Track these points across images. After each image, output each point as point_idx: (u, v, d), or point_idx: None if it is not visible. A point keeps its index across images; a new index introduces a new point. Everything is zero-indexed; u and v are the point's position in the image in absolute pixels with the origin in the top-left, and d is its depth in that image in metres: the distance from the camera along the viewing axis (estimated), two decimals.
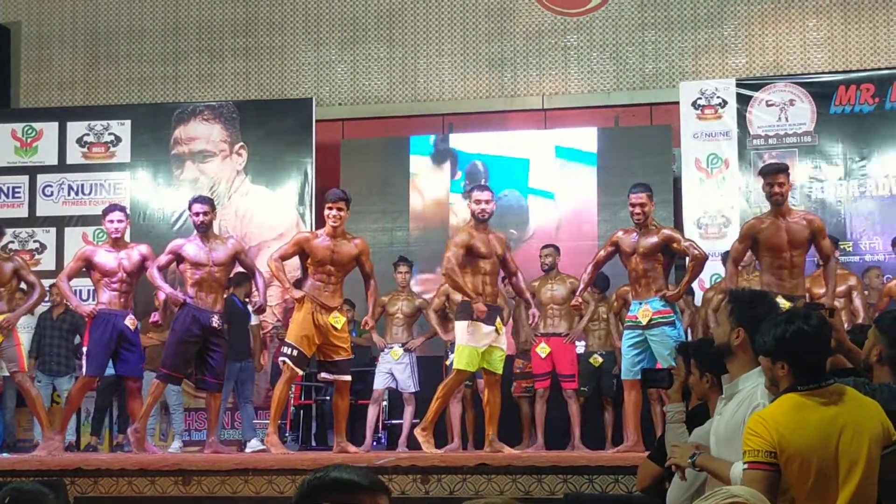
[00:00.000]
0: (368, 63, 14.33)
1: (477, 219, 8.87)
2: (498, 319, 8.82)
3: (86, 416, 11.90)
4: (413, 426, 10.23)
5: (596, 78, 13.81)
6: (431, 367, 11.43)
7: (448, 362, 10.29)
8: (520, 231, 12.90)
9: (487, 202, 8.83)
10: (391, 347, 11.09)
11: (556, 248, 11.11)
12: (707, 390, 4.89)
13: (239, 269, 9.86)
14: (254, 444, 10.82)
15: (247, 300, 11.01)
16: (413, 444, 9.89)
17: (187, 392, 11.69)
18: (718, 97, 12.49)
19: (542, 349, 10.57)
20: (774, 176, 8.47)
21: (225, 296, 9.83)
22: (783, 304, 6.81)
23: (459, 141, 13.49)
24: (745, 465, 3.80)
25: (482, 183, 11.13)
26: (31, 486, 2.17)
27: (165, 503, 7.11)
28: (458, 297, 9.25)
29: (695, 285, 9.90)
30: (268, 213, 13.08)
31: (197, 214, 9.28)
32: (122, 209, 9.56)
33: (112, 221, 9.36)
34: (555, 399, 10.78)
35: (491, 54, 14.03)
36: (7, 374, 9.92)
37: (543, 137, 13.39)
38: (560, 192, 13.05)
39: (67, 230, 13.26)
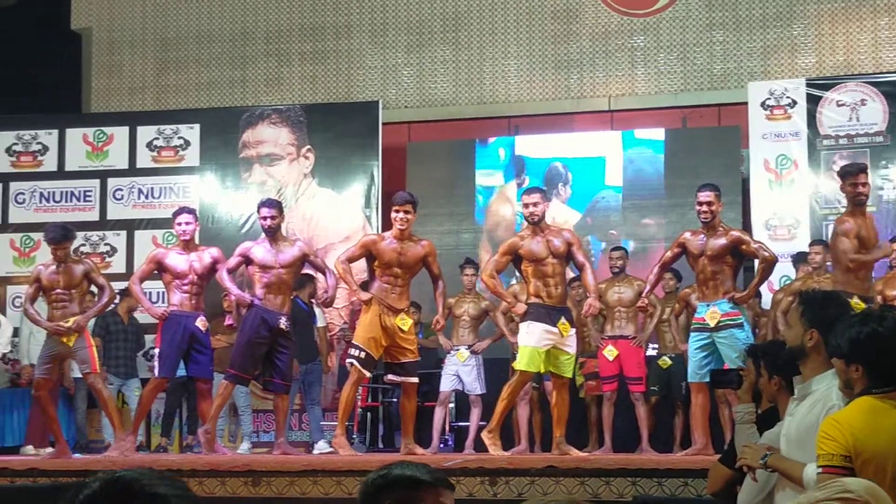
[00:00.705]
0: (434, 66, 14.36)
1: (528, 221, 8.87)
2: (563, 321, 8.78)
3: (156, 417, 12.01)
4: (480, 428, 10.24)
5: (663, 79, 13.74)
6: (498, 369, 11.41)
7: (514, 364, 10.27)
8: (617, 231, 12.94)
9: (535, 204, 8.81)
10: (457, 349, 11.09)
11: (626, 251, 11.07)
12: (776, 393, 4.85)
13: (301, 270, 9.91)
14: (321, 446, 10.86)
15: (311, 301, 11.07)
16: (480, 446, 9.88)
17: (255, 394, 11.77)
18: (788, 97, 12.37)
19: (610, 352, 10.52)
20: (857, 176, 8.38)
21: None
22: (857, 304, 6.73)
23: (526, 143, 13.49)
24: (819, 469, 3.76)
25: (537, 185, 11.09)
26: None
27: (234, 503, 7.16)
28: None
29: (762, 287, 9.80)
30: (334, 215, 13.14)
31: (265, 218, 9.34)
32: (192, 212, 9.66)
33: (181, 224, 9.45)
34: (622, 402, 10.73)
35: (557, 56, 14.00)
36: (80, 375, 10.07)
37: (610, 139, 13.35)
38: (627, 193, 13.03)
39: (137, 233, 13.40)
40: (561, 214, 12.85)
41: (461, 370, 11.07)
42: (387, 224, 11.07)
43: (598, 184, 13.09)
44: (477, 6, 14.25)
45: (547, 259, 8.81)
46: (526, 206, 8.87)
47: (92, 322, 10.70)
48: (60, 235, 9.16)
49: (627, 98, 13.78)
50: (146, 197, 13.49)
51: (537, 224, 8.82)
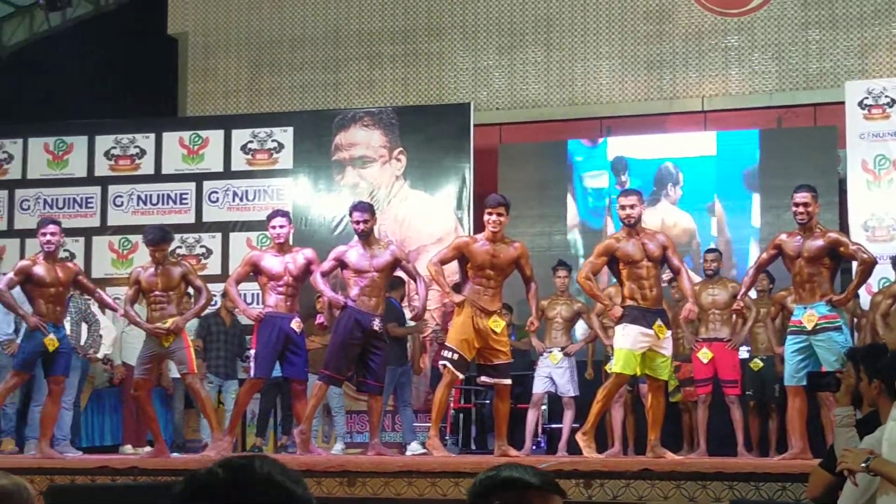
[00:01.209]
0: (526, 67, 14.38)
1: (624, 223, 8.85)
2: (659, 323, 8.73)
3: (251, 417, 12.17)
4: (573, 430, 10.25)
5: (758, 79, 13.61)
6: (593, 371, 11.42)
7: (608, 367, 10.26)
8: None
9: (633, 206, 8.77)
10: (550, 351, 11.10)
11: (720, 253, 11.00)
12: (876, 396, 4.80)
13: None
14: (414, 448, 10.94)
15: (404, 305, 11.17)
16: (573, 448, 9.88)
17: (349, 395, 11.89)
18: (887, 96, 12.19)
19: (704, 354, 10.45)
20: None
21: None
22: None
23: (618, 144, 13.46)
24: None
25: (629, 187, 11.05)
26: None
27: (331, 503, 7.24)
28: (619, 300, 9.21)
29: (860, 289, 9.67)
30: (426, 217, 13.21)
31: (357, 222, 9.39)
32: (286, 214, 9.75)
33: (275, 227, 9.54)
34: (716, 405, 10.65)
35: (649, 56, 13.94)
36: (177, 375, 10.24)
37: (704, 139, 13.27)
38: (721, 194, 12.95)
39: (232, 235, 13.59)
40: (671, 216, 12.85)
41: (554, 372, 11.07)
42: (478, 226, 11.11)
43: (709, 184, 13.00)
44: (569, 7, 14.24)
45: (642, 262, 8.77)
46: (622, 207, 8.84)
47: (194, 323, 10.89)
48: (159, 237, 9.33)
49: (721, 98, 13.68)
50: (240, 199, 13.67)
51: (633, 226, 8.79)
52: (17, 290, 9.47)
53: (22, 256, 13.29)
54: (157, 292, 9.30)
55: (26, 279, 9.26)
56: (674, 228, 12.65)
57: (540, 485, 2.74)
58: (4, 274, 9.96)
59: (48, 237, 9.29)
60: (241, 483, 2.09)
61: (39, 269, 9.27)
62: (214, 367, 11.83)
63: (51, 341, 9.19)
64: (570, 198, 13.42)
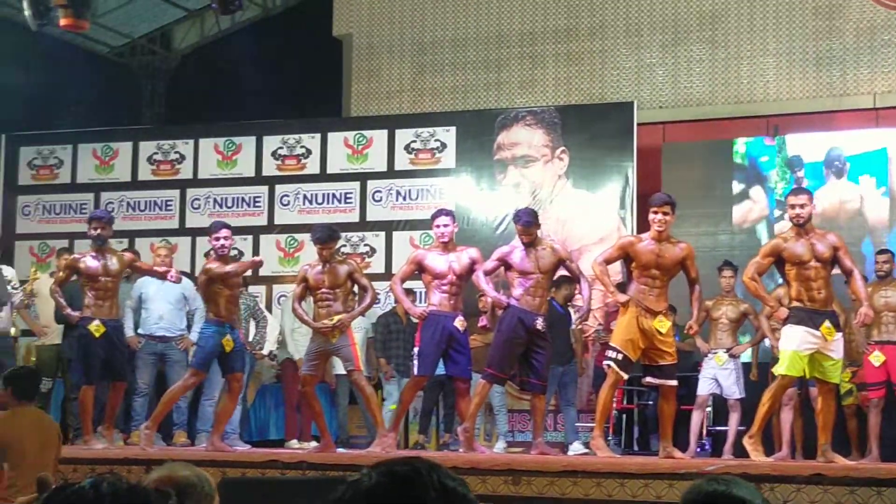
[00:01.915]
0: (690, 65, 14.20)
1: (793, 223, 8.65)
2: (827, 325, 8.52)
3: (413, 415, 12.28)
4: (738, 433, 10.08)
5: None
6: (758, 373, 11.21)
7: (774, 368, 10.05)
8: None
9: (803, 206, 8.56)
10: (715, 353, 10.94)
11: (892, 254, 10.69)
12: None
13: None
14: (576, 447, 10.91)
15: (568, 305, 11.12)
16: (739, 451, 9.72)
17: (511, 394, 11.90)
18: None
19: (876, 357, 10.18)
20: None
21: None
22: None
23: (792, 142, 13.19)
24: None
25: (801, 185, 10.81)
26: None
27: (495, 501, 7.26)
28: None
29: None
30: (589, 217, 13.14)
31: (520, 235, 9.40)
32: (450, 213, 9.79)
33: (440, 226, 9.59)
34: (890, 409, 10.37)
35: (819, 53, 13.63)
36: (343, 372, 10.39)
37: (876, 137, 12.92)
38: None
39: (396, 234, 13.72)
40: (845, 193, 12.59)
41: (719, 374, 10.91)
42: (641, 226, 11.02)
43: (881, 183, 12.66)
44: (734, 3, 14.02)
45: (810, 262, 8.57)
46: (792, 206, 8.65)
47: (362, 321, 10.99)
48: (327, 236, 9.46)
49: (894, 95, 13.29)
50: (404, 199, 13.80)
51: (802, 226, 8.59)
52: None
53: (193, 255, 13.70)
54: (323, 290, 9.43)
55: (209, 281, 9.52)
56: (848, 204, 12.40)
57: None
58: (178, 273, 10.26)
59: (221, 241, 9.53)
60: (414, 494, 2.04)
61: (220, 271, 9.53)
62: (394, 365, 11.99)
63: (228, 342, 9.46)
64: (760, 192, 13.11)
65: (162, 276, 10.26)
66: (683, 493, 2.71)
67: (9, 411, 7.17)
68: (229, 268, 9.57)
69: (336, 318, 9.37)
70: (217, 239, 9.53)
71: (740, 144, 13.32)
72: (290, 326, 11.59)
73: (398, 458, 2.12)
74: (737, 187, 13.22)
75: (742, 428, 10.07)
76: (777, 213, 12.90)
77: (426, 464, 2.08)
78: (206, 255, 12.33)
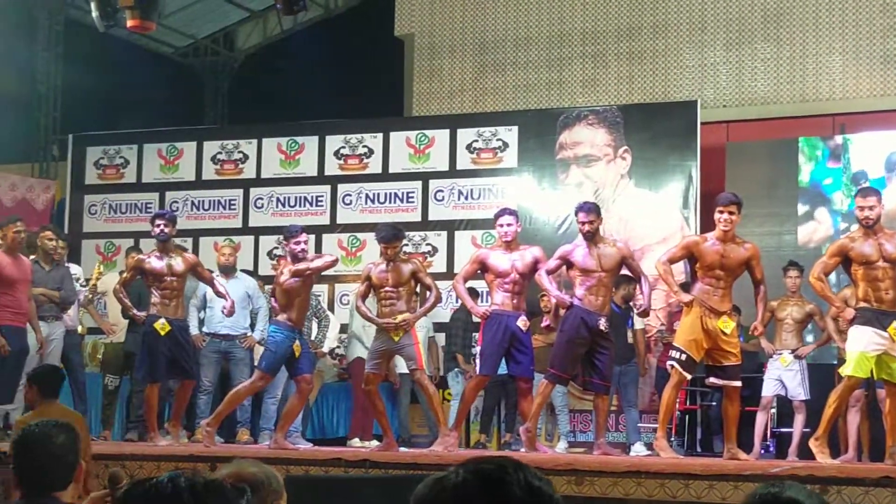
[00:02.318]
0: (754, 63, 14.09)
1: (861, 224, 8.55)
2: (895, 325, 8.43)
3: (475, 414, 12.28)
4: (803, 435, 10.00)
5: None
6: (823, 374, 11.10)
7: (840, 369, 9.95)
8: None
9: (871, 207, 8.45)
10: (780, 354, 10.84)
11: None
12: None
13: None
14: (638, 448, 10.86)
15: (629, 304, 11.08)
16: (804, 453, 9.63)
17: (573, 394, 11.88)
18: None
19: None
20: None
21: None
22: None
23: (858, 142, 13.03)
24: None
25: (869, 186, 10.65)
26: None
27: None
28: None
29: None
30: (651, 216, 13.06)
31: (583, 223, 9.37)
32: (514, 213, 9.76)
33: (503, 225, 9.58)
34: None
35: (886, 51, 13.47)
36: (406, 371, 10.42)
37: None
38: None
39: (457, 234, 13.73)
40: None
41: (784, 375, 10.82)
42: (705, 225, 10.95)
43: None
44: (800, 1, 13.88)
45: (878, 262, 8.47)
46: (861, 208, 8.54)
47: (424, 320, 11.02)
48: (392, 235, 9.49)
49: None
50: (465, 198, 13.80)
51: (871, 227, 8.49)
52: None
53: (256, 253, 13.80)
54: (387, 288, 9.46)
55: (291, 287, 9.56)
56: None
57: None
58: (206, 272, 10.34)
59: (302, 245, 9.53)
60: (501, 494, 2.04)
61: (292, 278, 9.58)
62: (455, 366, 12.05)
63: (297, 347, 9.56)
64: (825, 213, 12.97)
65: (219, 294, 10.26)
66: (743, 499, 2.68)
67: (36, 410, 7.26)
68: (316, 264, 9.62)
69: (399, 316, 9.39)
70: (297, 243, 9.51)
71: (804, 148, 13.14)
72: (360, 325, 11.61)
73: (486, 457, 2.13)
74: (801, 209, 13.05)
75: (807, 430, 9.98)
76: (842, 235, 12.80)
77: (513, 463, 2.09)
78: (272, 256, 12.45)
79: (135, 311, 9.96)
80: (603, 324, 9.28)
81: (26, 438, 3.99)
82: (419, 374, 9.49)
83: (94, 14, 12.24)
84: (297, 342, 9.52)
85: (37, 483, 3.89)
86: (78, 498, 4.05)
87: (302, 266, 9.50)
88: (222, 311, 10.27)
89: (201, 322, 11.22)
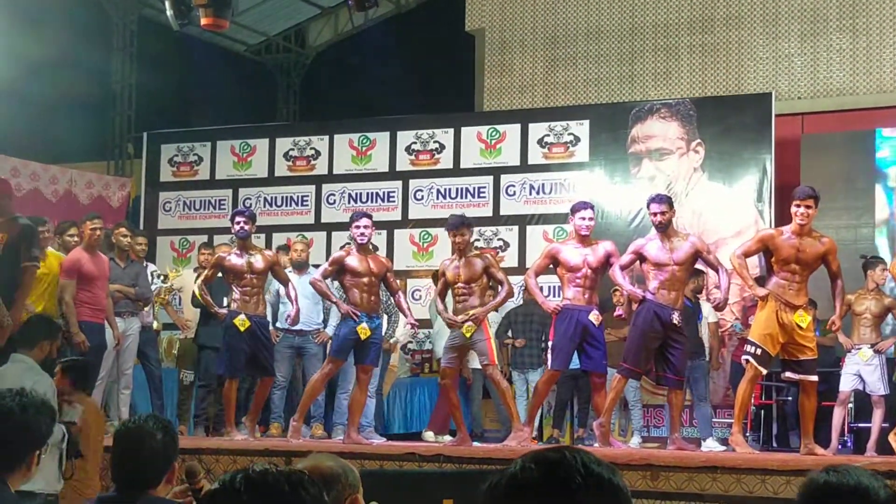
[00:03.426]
0: (830, 54, 13.93)
1: None
2: None
3: (547, 409, 12.26)
4: (882, 430, 9.87)
5: None
6: None
7: None
8: None
9: None
10: (859, 348, 10.70)
11: None
12: None
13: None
14: (710, 444, 10.77)
15: (696, 297, 11.01)
16: (883, 448, 9.51)
17: (645, 388, 11.83)
18: None
19: None
20: None
21: None
22: None
23: None
24: None
25: None
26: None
27: (633, 497, 7.21)
28: None
29: None
30: (725, 210, 12.96)
31: (655, 214, 9.31)
32: (590, 206, 9.72)
33: (584, 218, 9.55)
34: None
35: None
36: (478, 366, 10.43)
37: None
38: None
39: (529, 228, 13.73)
40: None
41: (863, 370, 10.66)
42: (779, 218, 10.85)
43: None
44: None
45: None
46: None
47: (495, 315, 11.02)
48: (458, 222, 9.54)
49: None
50: (537, 193, 13.79)
51: None
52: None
53: (328, 250, 13.88)
54: (460, 284, 9.51)
55: (340, 270, 9.66)
56: None
57: (886, 500, 2.54)
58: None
59: (361, 229, 9.65)
60: (559, 478, 2.06)
61: (353, 260, 9.66)
62: (519, 359, 12.05)
63: (363, 329, 9.56)
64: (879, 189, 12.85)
65: (290, 297, 10.29)
66: (800, 485, 2.65)
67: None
68: (355, 261, 9.68)
69: (471, 311, 9.44)
70: (357, 227, 9.68)
71: (882, 140, 12.99)
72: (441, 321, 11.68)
73: (550, 447, 2.15)
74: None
75: (885, 425, 9.85)
76: None
77: (573, 449, 2.11)
78: (342, 247, 12.49)
79: (217, 308, 10.10)
80: (676, 318, 9.23)
81: (126, 435, 4.04)
82: (491, 369, 9.52)
83: (169, 13, 12.39)
84: (365, 325, 9.57)
85: (133, 479, 3.94)
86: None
87: (344, 258, 9.67)
88: (286, 321, 10.41)
89: (275, 317, 11.29)
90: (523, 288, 11.94)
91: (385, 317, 11.60)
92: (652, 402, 12.30)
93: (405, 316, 10.17)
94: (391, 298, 10.57)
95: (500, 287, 9.66)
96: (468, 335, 9.46)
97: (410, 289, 13.74)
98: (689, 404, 11.77)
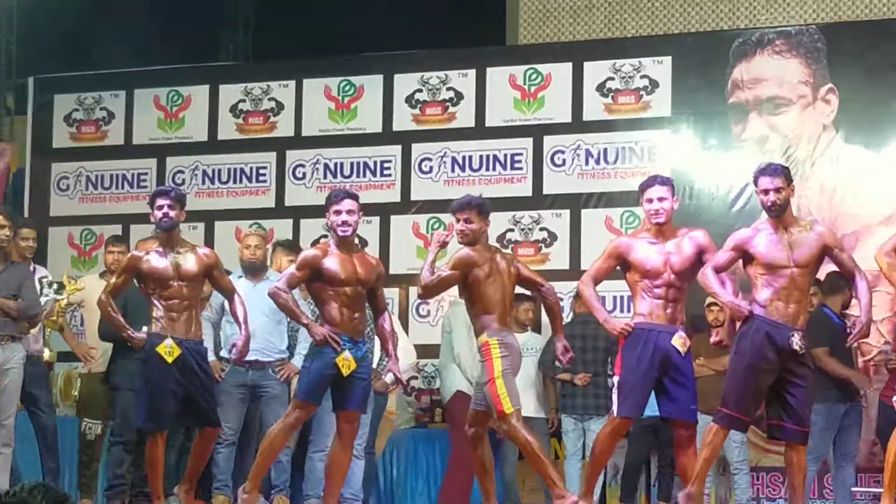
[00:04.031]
0: None
1: None
2: None
3: (613, 473, 12.30)
4: None
5: None
6: None
7: None
8: None
9: None
10: None
11: None
12: None
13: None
14: None
15: (845, 314, 11.01)
16: None
17: (756, 444, 11.85)
18: None
19: None
20: None
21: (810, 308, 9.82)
22: None
23: None
24: None
25: None
26: None
27: None
28: None
29: None
30: (869, 186, 12.97)
31: (766, 192, 9.27)
32: (667, 182, 9.66)
33: (652, 200, 9.52)
34: None
35: None
36: None
37: None
38: None
39: (585, 214, 13.76)
40: None
41: None
42: None
43: None
44: None
45: None
46: None
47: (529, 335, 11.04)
48: (464, 202, 9.52)
49: None
50: (596, 162, 13.81)
51: None
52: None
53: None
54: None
55: (313, 275, 9.60)
56: None
57: None
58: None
59: (343, 216, 9.54)
60: None
61: (331, 262, 9.54)
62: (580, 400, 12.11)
63: (346, 361, 9.45)
64: None
65: (236, 318, 10.24)
66: None
67: None
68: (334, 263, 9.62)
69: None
70: (338, 213, 9.56)
71: None
72: (461, 343, 11.68)
73: None
74: None
75: None
76: None
77: None
78: (315, 242, 12.46)
79: (130, 330, 9.98)
80: (797, 341, 9.18)
81: None
82: (501, 422, 9.44)
83: None
84: (348, 355, 9.51)
85: None
86: None
87: (320, 255, 9.59)
88: (230, 351, 10.33)
89: (218, 343, 11.30)
90: (574, 298, 11.97)
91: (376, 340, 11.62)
92: (765, 462, 12.33)
93: (387, 354, 10.04)
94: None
95: (535, 292, 9.64)
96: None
97: (414, 302, 13.74)
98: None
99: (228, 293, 10.22)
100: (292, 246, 11.80)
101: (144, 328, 10.00)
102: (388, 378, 11.28)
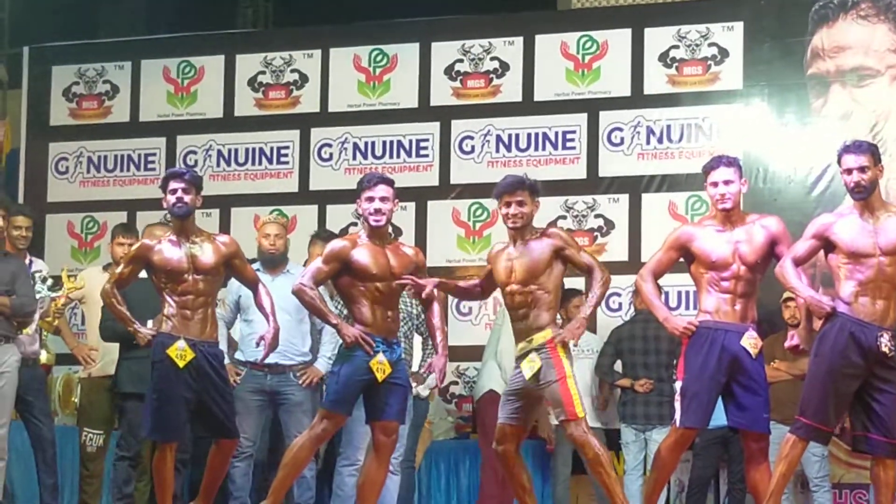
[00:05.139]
0: None
1: None
2: None
3: (678, 490, 12.29)
4: None
5: None
6: None
7: None
8: None
9: None
10: None
11: None
12: None
13: None
14: None
15: None
16: None
17: (837, 458, 11.83)
18: None
19: None
20: None
21: None
22: None
23: None
24: None
25: None
26: None
27: None
28: None
29: None
30: None
31: (851, 173, 9.24)
32: (734, 163, 9.60)
33: (717, 184, 9.49)
34: None
35: None
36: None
37: None
38: None
39: (646, 199, 13.76)
40: None
41: None
42: None
43: None
44: None
45: None
46: None
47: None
48: (515, 182, 9.49)
49: None
50: (658, 140, 13.80)
51: None
52: None
53: None
54: (514, 286, 9.49)
55: (342, 269, 9.58)
56: None
57: None
58: None
59: (376, 203, 9.49)
60: None
61: (362, 254, 9.52)
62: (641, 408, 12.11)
63: (380, 365, 9.44)
64: None
65: (262, 310, 10.22)
66: None
67: None
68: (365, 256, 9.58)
69: (537, 337, 9.41)
70: (370, 200, 9.51)
71: None
72: (508, 340, 11.66)
73: None
74: None
75: None
76: None
77: None
78: (344, 230, 12.47)
79: (136, 324, 9.97)
80: (886, 342, 9.16)
81: None
82: (573, 426, 9.42)
83: None
84: (382, 358, 9.50)
85: None
86: None
87: (349, 247, 9.54)
88: (257, 345, 10.20)
89: (232, 345, 11.32)
90: (633, 294, 11.96)
91: (418, 339, 11.59)
92: (846, 479, 12.30)
93: (436, 350, 9.90)
94: (423, 313, 10.54)
95: (589, 275, 9.59)
96: (531, 373, 9.39)
97: (454, 299, 13.73)
98: None
99: (252, 283, 10.16)
100: (332, 238, 11.69)
101: (150, 322, 10.02)
102: (430, 380, 11.26)
